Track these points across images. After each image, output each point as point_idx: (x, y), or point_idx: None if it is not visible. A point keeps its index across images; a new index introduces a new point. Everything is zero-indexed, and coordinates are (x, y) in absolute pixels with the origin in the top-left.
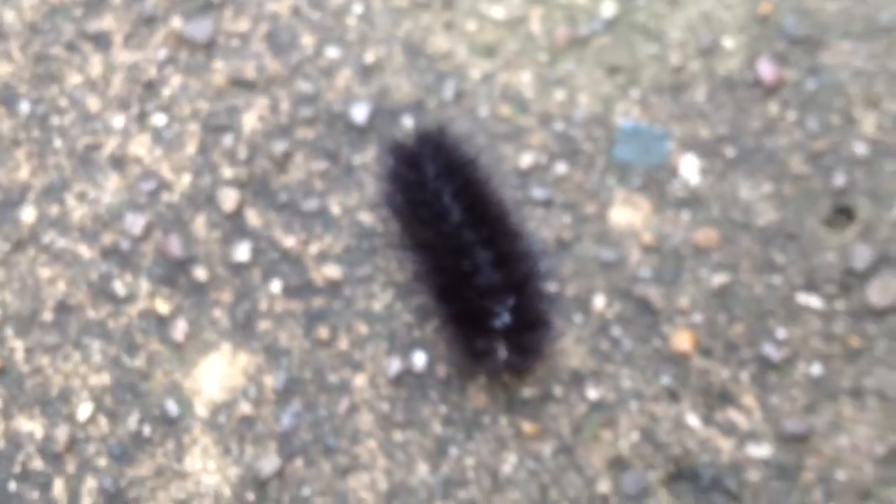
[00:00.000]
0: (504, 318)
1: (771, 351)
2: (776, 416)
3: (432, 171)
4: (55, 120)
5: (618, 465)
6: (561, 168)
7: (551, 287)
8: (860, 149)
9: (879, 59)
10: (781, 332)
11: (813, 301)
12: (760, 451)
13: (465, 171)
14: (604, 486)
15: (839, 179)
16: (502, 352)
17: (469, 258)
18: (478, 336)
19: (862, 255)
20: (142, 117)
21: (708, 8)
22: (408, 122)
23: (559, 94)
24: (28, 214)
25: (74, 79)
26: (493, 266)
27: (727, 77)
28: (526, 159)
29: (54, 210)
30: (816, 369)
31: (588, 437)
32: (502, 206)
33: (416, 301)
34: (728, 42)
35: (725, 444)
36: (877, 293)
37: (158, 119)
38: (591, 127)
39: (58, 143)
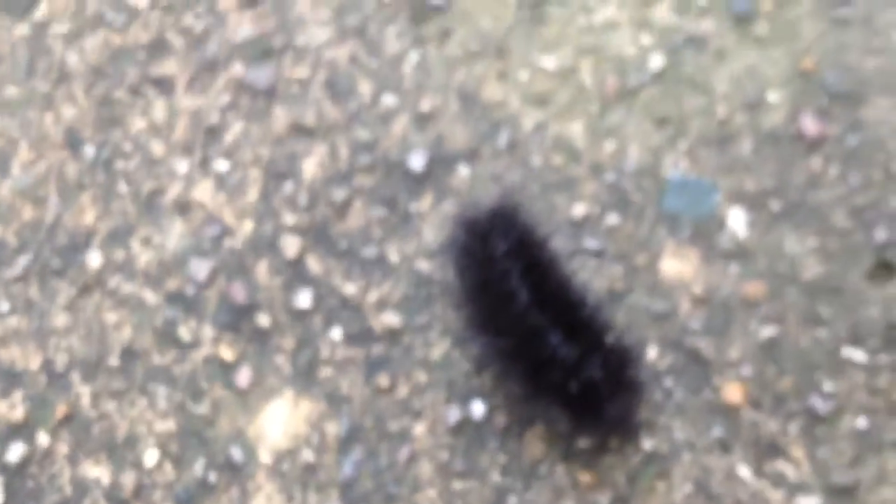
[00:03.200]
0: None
1: (818, 404)
2: (824, 468)
3: (503, 250)
4: (120, 164)
5: None
6: (612, 219)
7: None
8: None
9: None
10: (828, 385)
11: (857, 355)
12: (809, 502)
13: (538, 252)
14: None
15: (881, 234)
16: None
17: (547, 338)
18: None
19: None
20: (204, 163)
21: (752, 62)
22: (464, 170)
23: (609, 145)
24: (94, 259)
25: (138, 123)
26: (567, 338)
27: (772, 131)
28: (578, 209)
29: (120, 255)
30: (862, 422)
31: (643, 487)
32: (573, 287)
33: (473, 350)
34: (772, 96)
35: (775, 496)
36: None
37: (221, 165)
38: (640, 178)
39: (122, 187)
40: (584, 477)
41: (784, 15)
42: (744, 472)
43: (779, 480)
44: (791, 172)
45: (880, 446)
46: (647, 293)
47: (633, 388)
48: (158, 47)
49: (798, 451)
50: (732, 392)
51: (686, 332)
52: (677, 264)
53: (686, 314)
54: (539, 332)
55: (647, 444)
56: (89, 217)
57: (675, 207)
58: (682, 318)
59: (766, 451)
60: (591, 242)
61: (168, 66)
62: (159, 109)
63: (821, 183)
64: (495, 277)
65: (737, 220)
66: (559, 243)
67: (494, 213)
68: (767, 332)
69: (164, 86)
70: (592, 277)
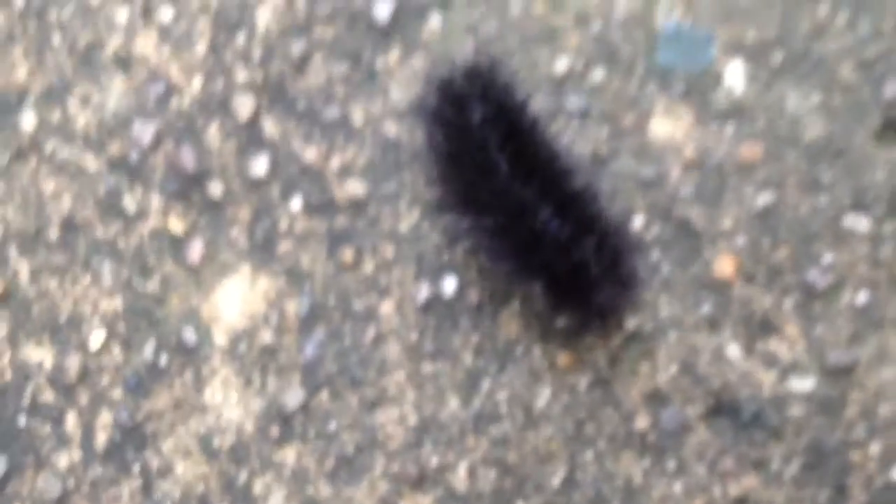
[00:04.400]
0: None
1: (816, 277)
2: (820, 347)
3: (480, 115)
4: (53, 14)
5: (656, 399)
6: (598, 74)
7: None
8: None
9: None
10: (827, 257)
11: (860, 223)
12: (803, 384)
13: (518, 116)
14: (642, 422)
15: (890, 90)
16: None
17: (536, 213)
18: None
19: None
20: (147, 11)
21: None
22: (435, 20)
23: None
24: (28, 120)
25: None
26: (557, 213)
27: None
28: (561, 64)
29: (56, 116)
30: (862, 297)
31: (626, 369)
32: (560, 156)
33: (445, 221)
34: None
35: (767, 377)
36: None
37: (165, 14)
38: (630, 28)
39: (57, 39)
40: (563, 358)
41: None
42: (734, 351)
43: (771, 360)
44: (795, 20)
45: (881, 323)
46: (635, 157)
47: (627, 276)
48: None
49: (792, 329)
50: (724, 265)
51: (676, 199)
52: (668, 125)
53: (676, 180)
54: (526, 207)
55: (631, 322)
56: (21, 73)
57: (668, 61)
58: (671, 185)
59: (759, 328)
60: (574, 101)
61: None
62: None
63: (827, 32)
64: (473, 147)
65: (735, 75)
66: (539, 103)
67: (469, 71)
68: (764, 199)
69: None
70: (575, 140)
